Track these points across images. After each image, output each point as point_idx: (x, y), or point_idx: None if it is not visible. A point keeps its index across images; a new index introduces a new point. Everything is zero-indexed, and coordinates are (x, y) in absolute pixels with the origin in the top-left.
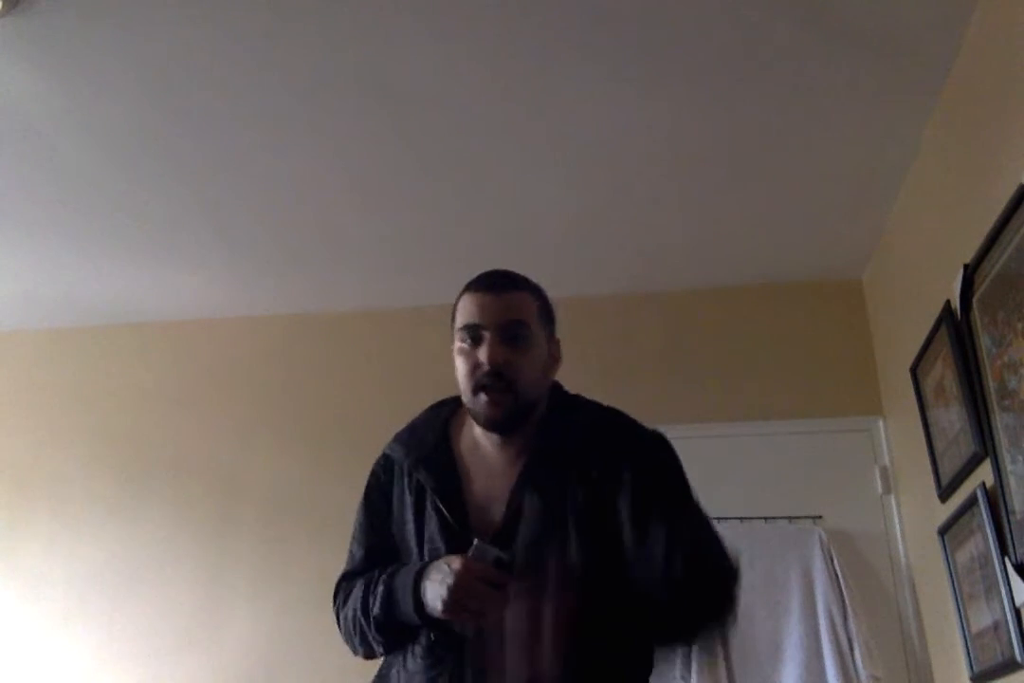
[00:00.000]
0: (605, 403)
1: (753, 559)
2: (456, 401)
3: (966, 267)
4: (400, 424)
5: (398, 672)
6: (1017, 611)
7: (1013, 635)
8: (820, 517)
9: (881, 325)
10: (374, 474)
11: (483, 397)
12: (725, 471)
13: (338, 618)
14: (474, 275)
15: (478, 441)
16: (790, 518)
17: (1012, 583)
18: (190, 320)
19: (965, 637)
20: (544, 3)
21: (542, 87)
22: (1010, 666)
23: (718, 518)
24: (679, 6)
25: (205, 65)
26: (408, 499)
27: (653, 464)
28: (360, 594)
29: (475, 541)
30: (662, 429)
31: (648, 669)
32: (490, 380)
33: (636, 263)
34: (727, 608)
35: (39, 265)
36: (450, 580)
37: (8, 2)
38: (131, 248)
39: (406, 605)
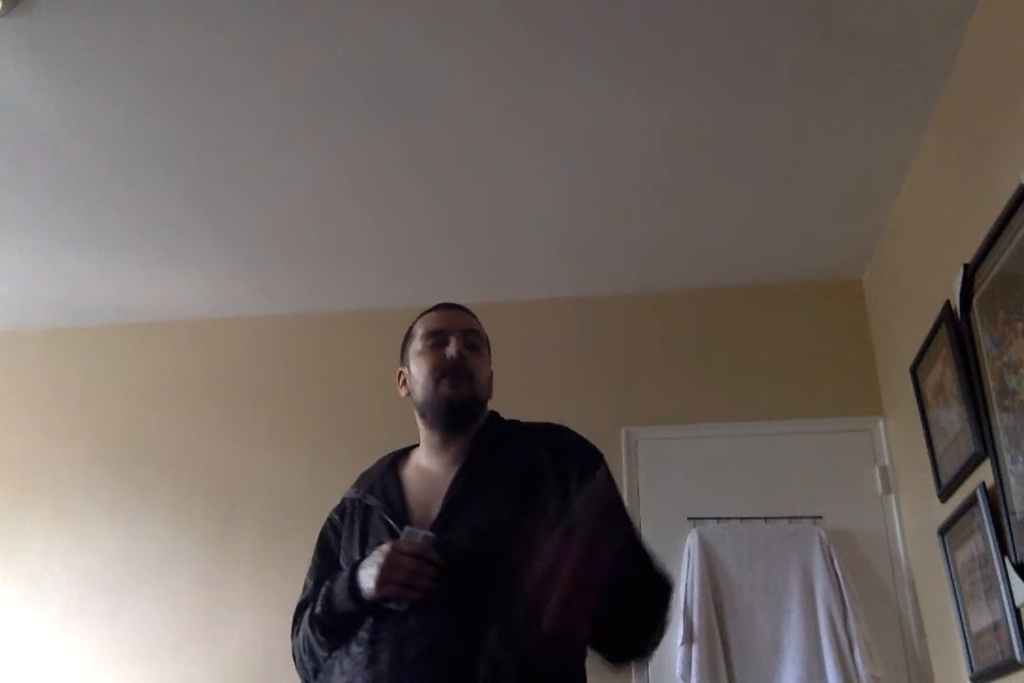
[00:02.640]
0: (606, 402)
1: (753, 559)
2: (403, 449)
3: (966, 267)
4: (398, 424)
5: (340, 661)
6: (1017, 611)
7: (1013, 635)
8: (820, 517)
9: (881, 325)
10: (329, 518)
11: (445, 383)
12: (725, 471)
13: (293, 648)
14: (473, 275)
15: (420, 462)
16: (790, 518)
17: (1012, 583)
18: (190, 320)
19: (965, 637)
20: (543, 5)
21: (541, 89)
22: (1010, 666)
23: (718, 518)
24: (678, 7)
25: (205, 66)
26: (356, 527)
27: (591, 472)
28: (308, 611)
29: (406, 528)
30: (661, 429)
31: (581, 645)
32: (456, 367)
33: (636, 263)
34: (665, 620)
35: (39, 265)
36: (381, 560)
37: (8, 2)
38: (131, 248)
39: (343, 595)
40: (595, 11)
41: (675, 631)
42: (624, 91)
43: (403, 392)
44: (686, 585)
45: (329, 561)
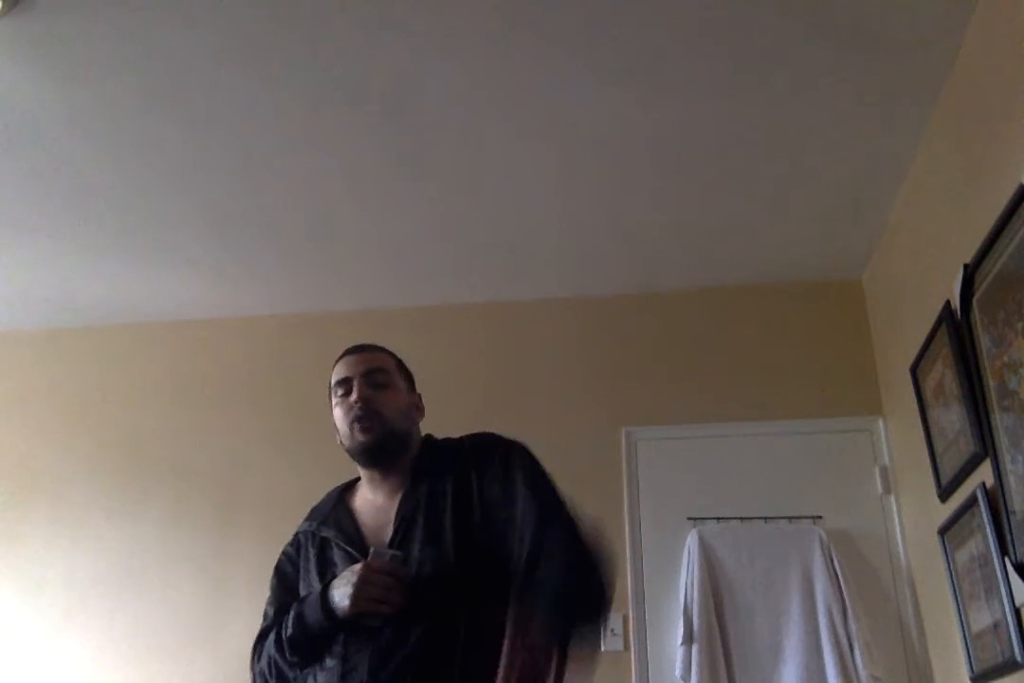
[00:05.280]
0: (606, 402)
1: (753, 559)
2: (348, 482)
3: (966, 267)
4: None
5: (314, 676)
6: (1017, 611)
7: (1013, 635)
8: (820, 517)
9: (881, 325)
10: (284, 553)
11: (356, 428)
12: (725, 471)
13: (253, 675)
14: (472, 275)
15: (366, 495)
16: (790, 518)
17: (1012, 583)
18: (188, 320)
19: (965, 637)
20: (541, 7)
21: (540, 89)
22: (1010, 666)
23: (718, 518)
24: (677, 7)
25: (205, 66)
26: (312, 557)
27: (515, 462)
28: (272, 637)
29: (372, 548)
30: (661, 429)
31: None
32: (360, 412)
33: (635, 263)
34: (605, 604)
35: (38, 265)
36: (355, 578)
37: (8, 2)
38: (129, 248)
39: (316, 614)
40: (593, 12)
41: (675, 631)
42: (622, 92)
43: (338, 440)
44: (686, 585)
45: (289, 592)
